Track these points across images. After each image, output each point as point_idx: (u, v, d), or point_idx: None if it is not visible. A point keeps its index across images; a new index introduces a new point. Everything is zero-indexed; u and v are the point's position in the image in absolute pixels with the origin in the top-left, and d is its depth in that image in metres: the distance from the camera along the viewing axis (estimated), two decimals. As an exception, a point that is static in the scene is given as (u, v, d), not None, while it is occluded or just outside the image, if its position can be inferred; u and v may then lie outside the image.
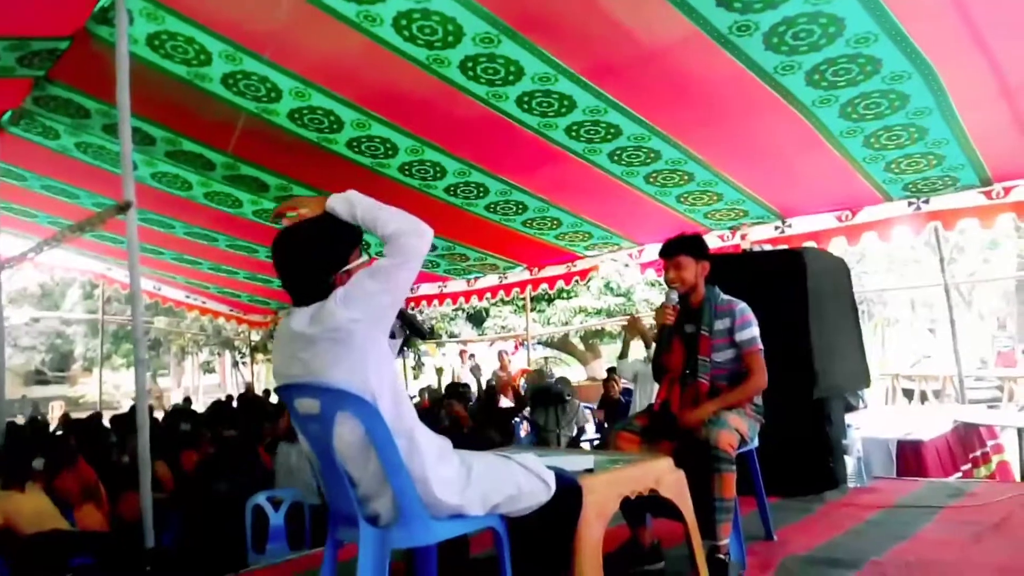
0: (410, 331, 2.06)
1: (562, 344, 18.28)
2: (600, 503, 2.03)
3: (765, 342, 2.85)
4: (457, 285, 8.56)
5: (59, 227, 6.55)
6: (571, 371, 19.08)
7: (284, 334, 1.79)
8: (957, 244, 19.71)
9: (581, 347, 18.13)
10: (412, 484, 1.68)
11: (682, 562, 2.48)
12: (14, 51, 3.92)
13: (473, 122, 4.45)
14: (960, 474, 5.19)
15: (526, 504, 1.86)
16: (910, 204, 5.23)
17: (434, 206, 5.70)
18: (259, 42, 3.81)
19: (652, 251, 6.54)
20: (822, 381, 3.85)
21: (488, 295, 8.39)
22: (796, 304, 3.86)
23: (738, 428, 2.67)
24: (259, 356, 13.83)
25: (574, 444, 6.16)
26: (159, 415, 8.14)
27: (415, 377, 17.46)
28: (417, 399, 8.02)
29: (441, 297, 8.86)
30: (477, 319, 18.56)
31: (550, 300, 15.75)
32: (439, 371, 10.27)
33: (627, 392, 6.95)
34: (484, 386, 9.48)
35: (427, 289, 8.80)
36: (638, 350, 5.59)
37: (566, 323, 16.00)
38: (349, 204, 1.77)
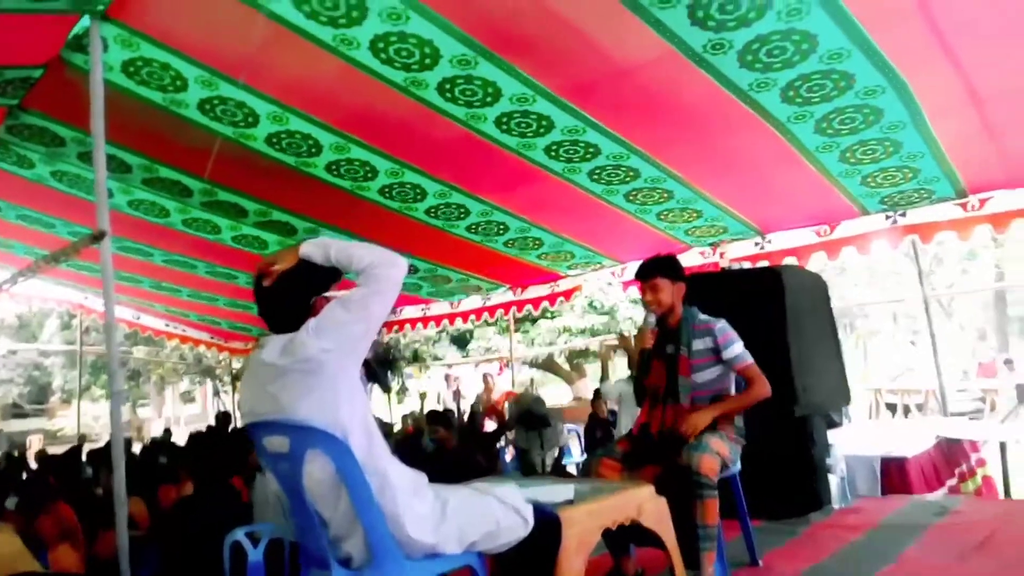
0: (373, 380, 2.07)
1: (547, 364, 18.22)
2: (581, 535, 2.00)
3: (745, 361, 2.84)
4: (440, 307, 8.50)
5: (35, 257, 6.46)
6: (557, 391, 19.02)
7: (254, 365, 1.75)
8: (936, 255, 19.96)
9: (567, 367, 18.07)
10: (384, 522, 1.63)
11: (667, 591, 2.44)
12: (-15, 81, 3.88)
13: (452, 143, 4.44)
14: (946, 489, 5.18)
15: (504, 540, 1.82)
16: (887, 218, 5.27)
17: (415, 228, 5.67)
18: (235, 67, 3.79)
19: (634, 269, 6.48)
20: (803, 399, 3.84)
21: (472, 317, 8.35)
22: (775, 322, 3.86)
23: (720, 452, 2.65)
24: (240, 384, 13.62)
25: (558, 468, 6.10)
26: (140, 446, 8.00)
27: (399, 402, 17.32)
28: (400, 426, 7.93)
29: (425, 320, 8.79)
30: (461, 341, 18.48)
31: (534, 320, 15.72)
32: (422, 396, 10.18)
33: (612, 413, 6.93)
34: (468, 410, 9.40)
35: (410, 312, 8.74)
36: (621, 369, 5.58)
37: (551, 343, 15.96)
38: (322, 247, 1.77)
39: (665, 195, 5.10)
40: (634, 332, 3.26)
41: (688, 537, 2.45)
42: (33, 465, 7.61)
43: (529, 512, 1.86)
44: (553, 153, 4.52)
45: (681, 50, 3.41)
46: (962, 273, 21.70)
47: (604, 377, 5.64)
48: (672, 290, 2.88)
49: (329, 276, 1.82)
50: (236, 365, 12.43)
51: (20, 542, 3.68)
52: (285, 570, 3.76)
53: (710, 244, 6.03)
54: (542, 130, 4.24)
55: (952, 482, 5.34)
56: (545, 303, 7.62)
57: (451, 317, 8.50)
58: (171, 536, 4.15)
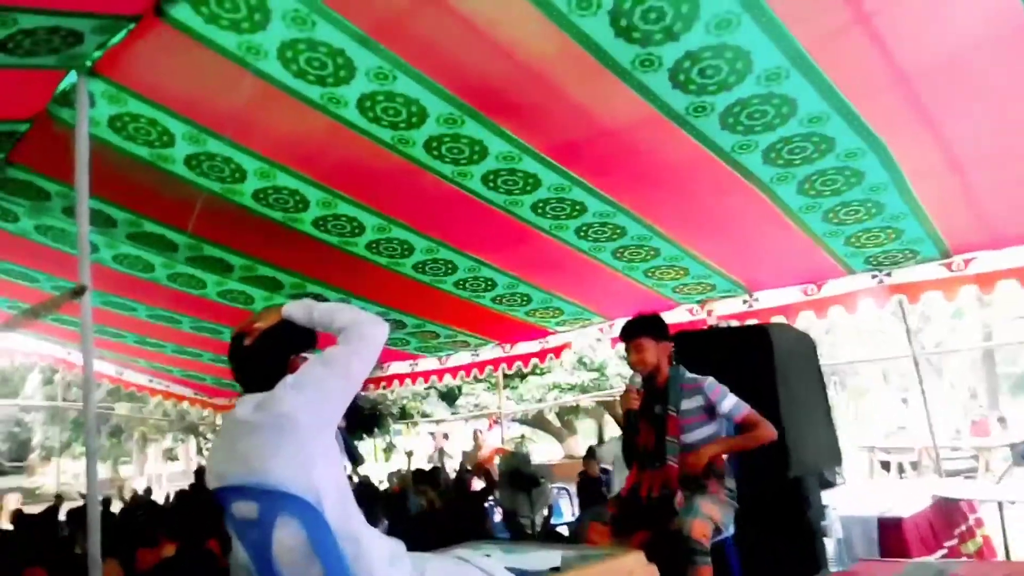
0: (346, 452, 2.07)
1: (538, 421, 18.02)
2: (566, 605, 1.91)
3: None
4: (429, 363, 8.41)
5: (18, 311, 6.38)
6: (548, 448, 18.74)
7: (227, 424, 1.71)
8: (923, 313, 20.05)
9: (557, 423, 17.87)
10: (356, 596, 1.56)
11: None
12: (-29, 136, 3.89)
13: (440, 200, 4.46)
14: (945, 551, 5.06)
15: (484, 614, 1.74)
16: (873, 277, 5.29)
17: (402, 283, 5.65)
18: (222, 123, 3.81)
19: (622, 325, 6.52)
20: (795, 459, 3.76)
21: (462, 373, 8.26)
22: (764, 381, 3.80)
23: (712, 516, 2.58)
24: (211, 445, 13.37)
25: (548, 529, 5.93)
26: (121, 504, 7.77)
27: (386, 460, 17.01)
28: (387, 484, 7.76)
29: (413, 376, 8.69)
30: (450, 397, 18.28)
31: (523, 377, 15.59)
32: (409, 454, 9.99)
33: (605, 472, 6.83)
34: (454, 469, 9.22)
35: (398, 367, 8.63)
36: (615, 428, 5.52)
37: (540, 400, 15.81)
38: (305, 308, 1.79)
39: (652, 253, 5.11)
40: (622, 390, 3.21)
41: (678, 608, 2.36)
42: (8, 526, 7.34)
43: (510, 583, 1.79)
44: (540, 210, 4.54)
45: (664, 112, 3.46)
46: (950, 332, 21.80)
47: (601, 441, 5.57)
48: (657, 350, 2.85)
49: (308, 337, 1.84)
50: (219, 422, 12.21)
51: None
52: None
53: (698, 301, 6.02)
54: (528, 188, 4.26)
55: (951, 543, 5.22)
56: (535, 360, 7.56)
57: (439, 373, 8.41)
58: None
